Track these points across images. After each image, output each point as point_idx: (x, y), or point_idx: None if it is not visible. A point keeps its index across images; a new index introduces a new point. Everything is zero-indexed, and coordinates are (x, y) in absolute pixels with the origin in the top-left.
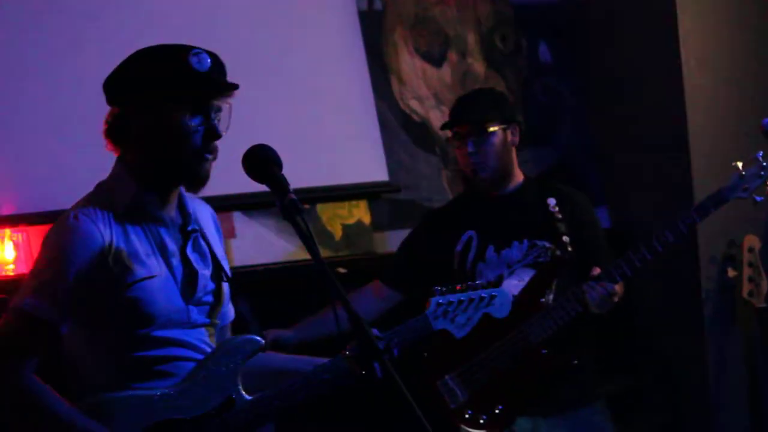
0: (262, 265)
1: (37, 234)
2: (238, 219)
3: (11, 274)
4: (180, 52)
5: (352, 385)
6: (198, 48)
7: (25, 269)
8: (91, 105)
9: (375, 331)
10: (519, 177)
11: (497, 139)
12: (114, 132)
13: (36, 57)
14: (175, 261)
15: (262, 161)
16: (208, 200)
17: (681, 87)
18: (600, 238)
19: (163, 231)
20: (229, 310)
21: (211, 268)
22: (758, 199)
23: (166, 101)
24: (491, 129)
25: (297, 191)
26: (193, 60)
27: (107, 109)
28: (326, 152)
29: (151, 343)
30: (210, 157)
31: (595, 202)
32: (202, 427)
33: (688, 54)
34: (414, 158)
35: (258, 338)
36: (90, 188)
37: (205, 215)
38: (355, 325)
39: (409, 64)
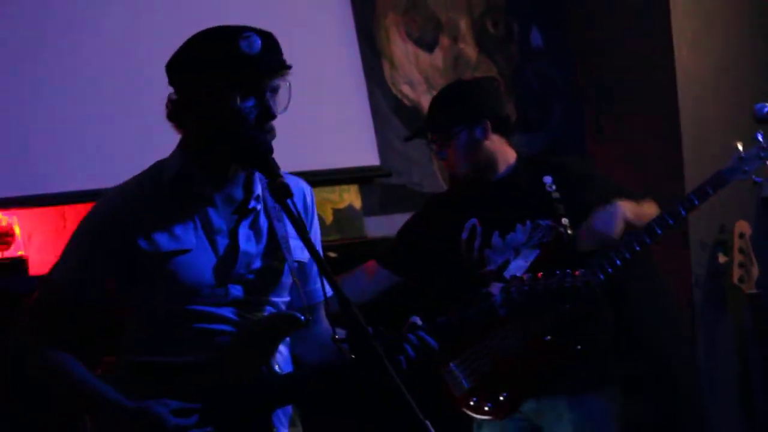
0: None
1: (28, 217)
2: None
3: (3, 256)
4: (230, 35)
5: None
6: (249, 30)
7: (18, 252)
8: (90, 87)
9: (416, 319)
10: (510, 158)
11: (463, 141)
12: (174, 114)
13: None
14: (220, 238)
15: (252, 145)
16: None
17: (673, 72)
18: (608, 186)
19: (210, 209)
20: (317, 290)
21: (263, 246)
22: (757, 180)
23: (217, 85)
24: (455, 132)
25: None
26: (243, 44)
27: (105, 90)
28: (317, 136)
29: (186, 316)
30: (267, 136)
31: None
32: (231, 400)
33: (681, 39)
34: (405, 143)
35: (298, 315)
36: (83, 170)
37: (296, 191)
38: (343, 309)
39: (401, 49)
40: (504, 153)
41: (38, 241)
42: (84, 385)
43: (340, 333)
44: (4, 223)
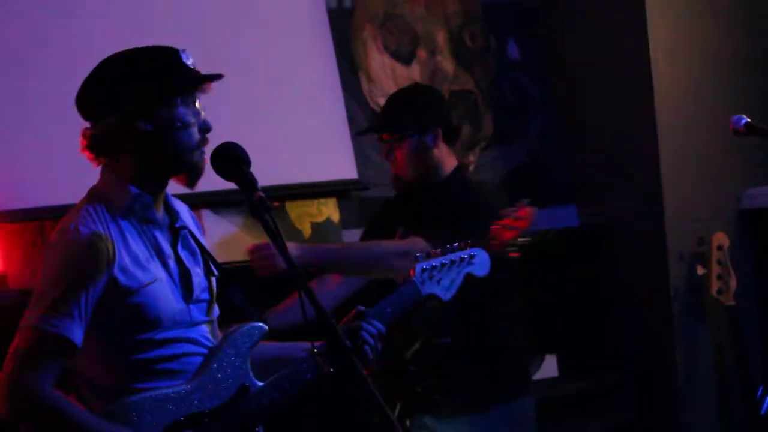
0: (230, 263)
1: (6, 232)
2: (207, 217)
3: None
4: (172, 52)
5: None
6: (179, 48)
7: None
8: (70, 100)
9: (361, 308)
10: (448, 170)
11: (414, 146)
12: (101, 145)
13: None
14: (171, 263)
15: (230, 159)
16: (176, 198)
17: (650, 84)
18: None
19: (157, 233)
20: (216, 306)
21: (201, 265)
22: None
23: (161, 100)
24: (407, 136)
25: (265, 189)
26: (184, 56)
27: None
28: (295, 150)
29: (158, 344)
30: (204, 150)
31: (564, 201)
32: (222, 418)
33: (657, 51)
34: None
35: (262, 324)
36: (62, 185)
37: (184, 213)
38: (323, 323)
39: (378, 62)
40: (449, 162)
41: (16, 255)
42: (98, 428)
43: (319, 346)
44: None
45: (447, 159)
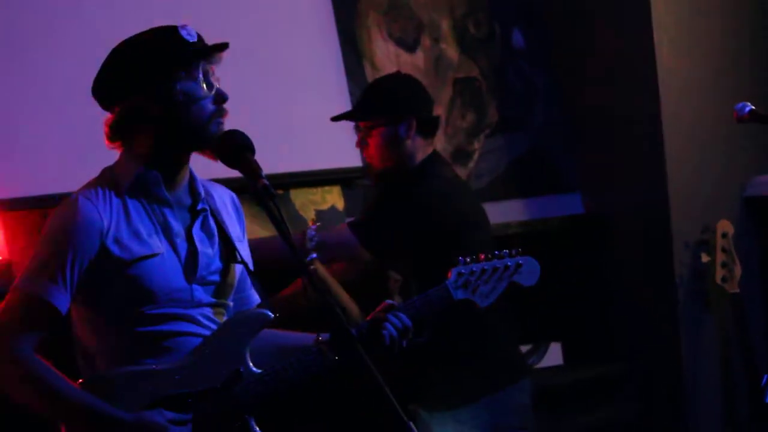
0: None
1: (11, 219)
2: None
3: None
4: (169, 31)
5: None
6: (178, 24)
7: (0, 255)
8: (72, 89)
9: (390, 301)
10: (418, 159)
11: (385, 135)
12: (117, 132)
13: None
14: (180, 241)
15: (234, 146)
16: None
17: (654, 72)
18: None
19: (167, 212)
20: (252, 296)
21: (217, 247)
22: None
23: (173, 78)
24: (378, 125)
25: (269, 177)
26: (184, 33)
27: (87, 91)
28: (299, 138)
29: (154, 319)
30: (222, 120)
31: (569, 188)
32: (209, 401)
33: (661, 38)
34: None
35: (267, 312)
36: (66, 173)
37: (223, 198)
38: (328, 312)
39: (382, 50)
40: (423, 151)
41: (21, 243)
42: (72, 397)
43: (324, 335)
44: None
45: (420, 150)
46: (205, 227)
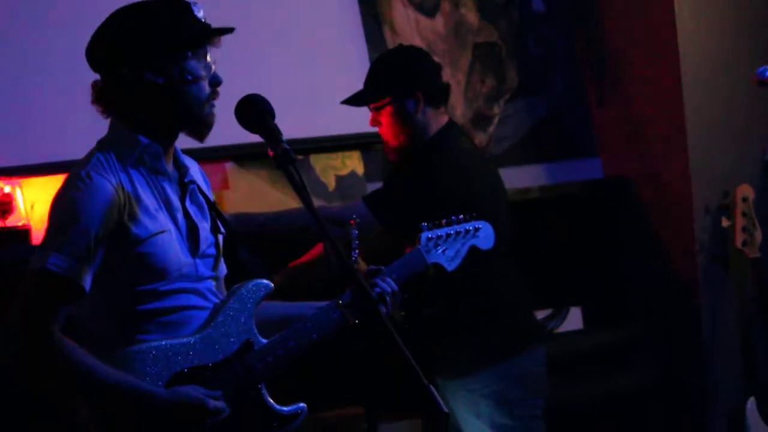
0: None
1: (30, 186)
2: (231, 169)
3: (5, 226)
4: (184, 7)
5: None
6: (191, 1)
7: (20, 221)
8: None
9: (375, 267)
10: (432, 130)
11: (395, 112)
12: (111, 97)
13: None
14: (179, 216)
15: (254, 111)
16: (201, 151)
17: (674, 36)
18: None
19: (166, 185)
20: (222, 265)
21: (209, 220)
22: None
23: (176, 54)
24: (386, 103)
25: (290, 142)
26: (195, 10)
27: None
28: (319, 103)
29: (164, 295)
30: (214, 104)
31: (589, 153)
32: (225, 372)
33: (682, 4)
34: None
35: (267, 282)
36: (85, 139)
37: (194, 169)
38: (349, 276)
39: (402, 15)
40: (436, 122)
41: (41, 210)
42: (106, 375)
43: (344, 298)
44: (5, 192)
45: (432, 121)
46: (194, 200)
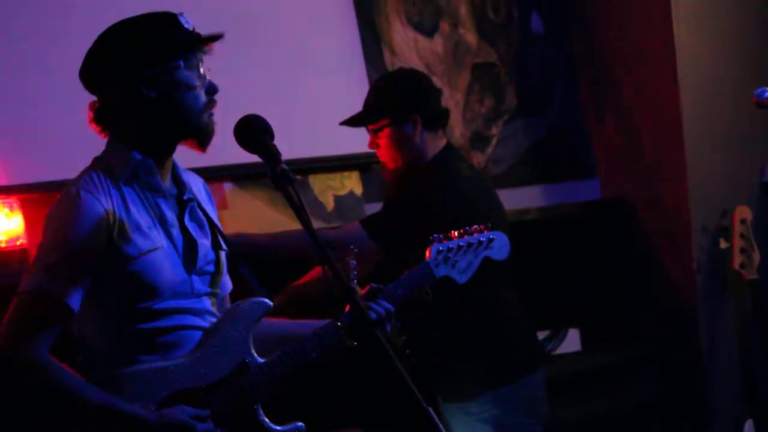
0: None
1: (29, 205)
2: (230, 190)
3: (4, 245)
4: (169, 18)
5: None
6: (175, 12)
7: (19, 241)
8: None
9: (375, 285)
10: (431, 155)
11: (393, 136)
12: (107, 117)
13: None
14: (175, 232)
15: (253, 131)
16: (199, 171)
17: (673, 56)
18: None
19: (161, 201)
20: (228, 281)
21: (209, 237)
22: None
23: (166, 65)
24: (384, 126)
25: (288, 162)
26: (183, 21)
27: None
28: (318, 123)
29: (157, 314)
30: (212, 112)
31: (588, 174)
32: (220, 393)
33: (680, 23)
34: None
35: (266, 300)
36: (85, 158)
37: (197, 186)
38: (347, 296)
39: (401, 34)
40: (434, 145)
41: (39, 229)
42: (93, 399)
43: (342, 320)
44: (4, 211)
45: (430, 145)
46: (194, 217)
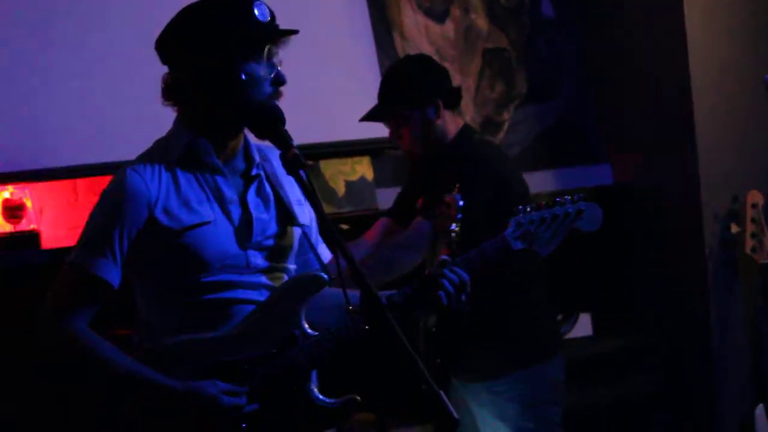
0: None
1: (40, 190)
2: None
3: (15, 230)
4: (244, 4)
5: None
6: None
7: (30, 226)
8: (100, 61)
9: (446, 257)
10: (452, 134)
11: (417, 124)
12: (176, 91)
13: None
14: (233, 207)
15: (265, 117)
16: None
17: (684, 41)
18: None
19: (219, 179)
20: (312, 258)
21: (273, 211)
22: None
23: (236, 53)
24: (408, 116)
25: (299, 147)
26: (258, 12)
27: (115, 64)
28: (329, 108)
29: (209, 287)
30: (276, 103)
31: (599, 159)
32: (263, 366)
33: (692, 8)
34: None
35: (322, 274)
36: (95, 144)
37: (275, 160)
38: (358, 281)
39: (411, 20)
40: (454, 124)
41: (50, 214)
42: (125, 369)
43: (354, 303)
44: (15, 197)
45: (451, 124)
46: (260, 192)
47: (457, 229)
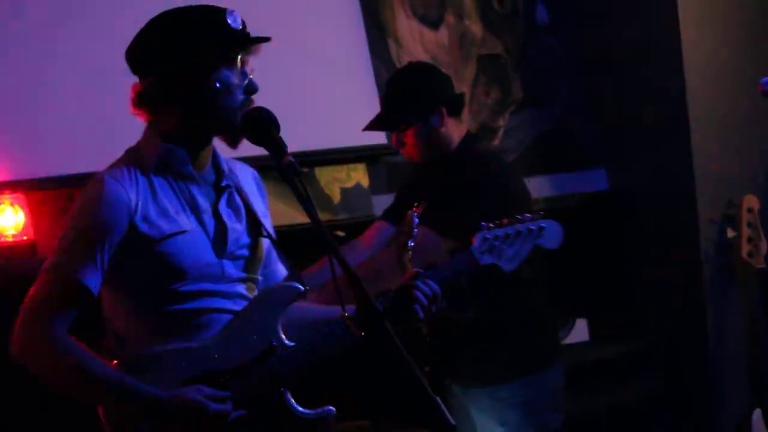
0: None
1: (35, 200)
2: None
3: (10, 240)
4: (216, 13)
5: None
6: (227, 8)
7: (25, 236)
8: (95, 68)
9: (418, 269)
10: (457, 141)
11: (419, 134)
12: (147, 100)
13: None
14: (207, 217)
15: (259, 124)
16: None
17: (679, 46)
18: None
19: (194, 188)
20: (278, 270)
21: (245, 222)
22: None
23: (208, 61)
24: (412, 125)
25: (295, 154)
26: (230, 20)
27: (110, 71)
28: (324, 115)
29: (186, 297)
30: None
31: (594, 164)
32: (243, 376)
33: (686, 12)
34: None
35: (297, 285)
36: (90, 153)
37: (245, 175)
38: (354, 287)
39: (406, 27)
40: (457, 134)
41: (45, 224)
42: (107, 378)
43: (349, 310)
44: (10, 206)
45: (455, 131)
46: (231, 203)
47: (413, 245)
